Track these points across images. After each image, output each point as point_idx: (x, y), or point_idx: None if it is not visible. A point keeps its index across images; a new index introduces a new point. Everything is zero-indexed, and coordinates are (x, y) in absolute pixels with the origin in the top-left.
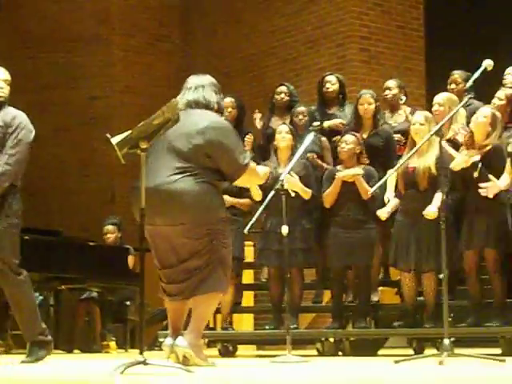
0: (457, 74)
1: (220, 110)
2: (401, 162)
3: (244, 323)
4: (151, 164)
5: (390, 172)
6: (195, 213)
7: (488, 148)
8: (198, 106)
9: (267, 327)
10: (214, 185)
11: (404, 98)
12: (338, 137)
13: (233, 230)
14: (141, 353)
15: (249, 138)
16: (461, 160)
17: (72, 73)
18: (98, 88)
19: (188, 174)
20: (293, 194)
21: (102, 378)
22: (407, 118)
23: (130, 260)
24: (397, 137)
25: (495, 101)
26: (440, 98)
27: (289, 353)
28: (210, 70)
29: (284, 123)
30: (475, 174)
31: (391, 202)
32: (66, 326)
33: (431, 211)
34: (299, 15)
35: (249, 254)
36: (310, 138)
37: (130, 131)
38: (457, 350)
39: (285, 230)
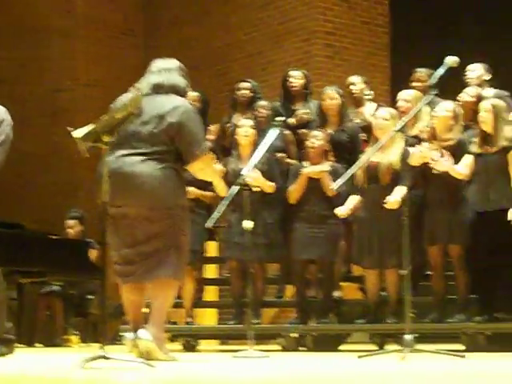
0: (420, 72)
1: (185, 93)
2: (364, 157)
3: (207, 318)
4: (116, 147)
5: (353, 168)
6: (155, 196)
7: (452, 142)
8: (163, 90)
9: (230, 322)
10: (177, 171)
11: (370, 93)
12: (304, 130)
13: (195, 223)
14: (102, 347)
15: (214, 127)
16: (419, 154)
17: (35, 65)
18: (61, 81)
19: (151, 157)
20: (256, 189)
21: (63, 372)
22: (368, 117)
23: (93, 254)
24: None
25: (464, 95)
26: (406, 94)
27: (251, 348)
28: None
29: (247, 118)
30: (435, 171)
31: (351, 199)
32: (28, 319)
33: (393, 200)
34: (265, 10)
35: (212, 248)
36: (273, 133)
37: (92, 125)
38: (419, 346)
39: (247, 224)
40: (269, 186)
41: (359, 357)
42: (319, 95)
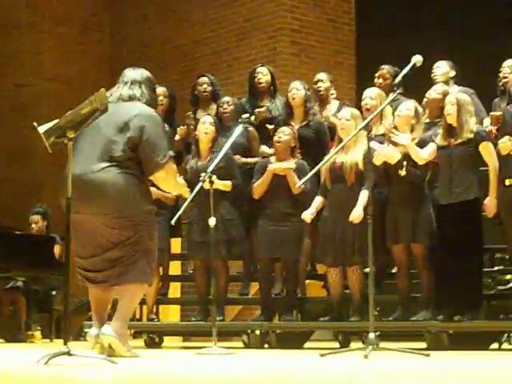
0: (385, 69)
1: (154, 106)
2: (329, 156)
3: (170, 314)
4: (79, 153)
5: (318, 166)
6: (117, 203)
7: (415, 142)
8: (131, 100)
9: (193, 319)
10: (139, 177)
11: (334, 92)
12: (272, 126)
13: (158, 222)
14: (65, 343)
15: (182, 128)
16: (382, 154)
17: (1, 60)
18: (26, 76)
19: (113, 164)
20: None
21: (25, 368)
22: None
23: (57, 249)
24: None
25: (431, 92)
26: (372, 92)
27: (214, 345)
28: (141, 60)
29: (208, 114)
30: (402, 173)
31: (315, 201)
32: None
33: (356, 215)
34: (231, 6)
35: (176, 245)
36: (238, 130)
37: (57, 120)
38: (382, 344)
39: (212, 221)
40: (225, 186)
41: (321, 355)
42: (285, 92)
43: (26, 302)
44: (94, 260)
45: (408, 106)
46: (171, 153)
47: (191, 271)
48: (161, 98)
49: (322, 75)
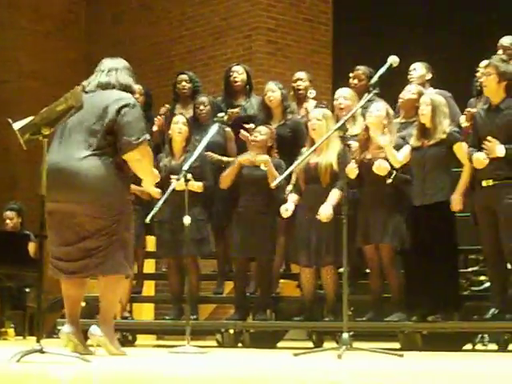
0: (360, 70)
1: (132, 93)
2: (304, 156)
3: (144, 313)
4: (58, 141)
5: (293, 166)
6: (98, 192)
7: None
8: (110, 87)
9: (167, 317)
10: (121, 167)
11: (314, 92)
12: (252, 125)
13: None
14: (38, 341)
15: (159, 118)
16: (374, 168)
17: None
18: (3, 73)
19: (95, 152)
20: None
21: None
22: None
23: (31, 247)
24: None
25: (405, 93)
26: (345, 92)
27: (188, 343)
28: (118, 57)
29: (181, 114)
30: (389, 181)
31: (291, 197)
32: None
33: (323, 213)
34: (208, 5)
35: (150, 243)
36: (214, 129)
37: (32, 117)
38: (356, 344)
39: (187, 220)
40: (198, 187)
41: (295, 354)
42: (261, 91)
43: (0, 298)
44: (68, 249)
45: (378, 106)
46: (147, 136)
47: (165, 269)
48: (137, 95)
49: (301, 74)
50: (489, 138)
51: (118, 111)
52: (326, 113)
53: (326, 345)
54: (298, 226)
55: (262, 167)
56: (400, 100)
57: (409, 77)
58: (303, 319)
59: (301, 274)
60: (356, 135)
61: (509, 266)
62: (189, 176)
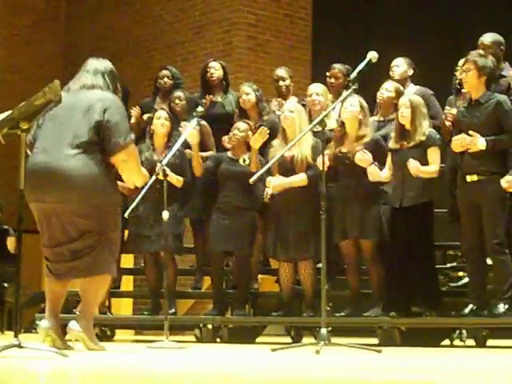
0: (336, 68)
1: (116, 94)
2: (281, 152)
3: (122, 308)
4: (43, 140)
5: (270, 162)
6: (87, 192)
7: (366, 140)
8: (94, 89)
9: (145, 312)
10: (109, 167)
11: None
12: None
13: None
14: (16, 336)
15: (135, 109)
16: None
17: None
18: None
19: (80, 151)
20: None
21: None
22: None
23: (9, 242)
24: None
25: (383, 91)
26: (318, 88)
27: (166, 338)
28: (97, 52)
29: (162, 108)
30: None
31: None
32: None
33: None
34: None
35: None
36: (192, 124)
37: (10, 111)
38: (334, 340)
39: (165, 215)
40: (178, 181)
41: (273, 350)
42: (240, 87)
43: None
44: (58, 250)
45: (352, 101)
46: (132, 136)
47: (144, 264)
48: None
49: (283, 72)
50: (470, 132)
51: (104, 111)
52: (298, 107)
53: (305, 340)
54: (273, 218)
55: (241, 162)
56: (378, 100)
57: (391, 73)
58: (282, 314)
59: (279, 269)
60: (331, 130)
61: (488, 261)
62: (167, 170)
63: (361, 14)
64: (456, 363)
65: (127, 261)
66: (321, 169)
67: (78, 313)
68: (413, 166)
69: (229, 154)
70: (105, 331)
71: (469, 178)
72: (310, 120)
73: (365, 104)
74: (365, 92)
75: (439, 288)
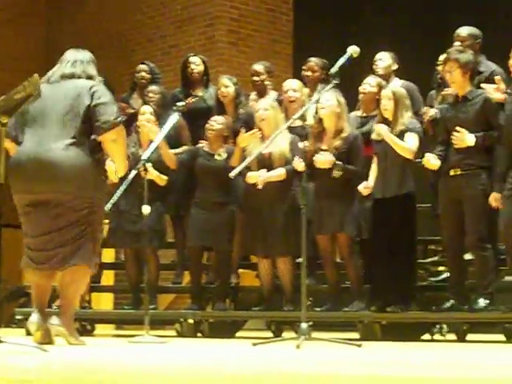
0: (313, 61)
1: None
2: (262, 147)
3: (103, 302)
4: (32, 133)
5: (249, 159)
6: (79, 184)
7: (345, 135)
8: (75, 78)
9: (126, 307)
10: (97, 157)
11: (270, 82)
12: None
13: None
14: None
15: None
16: (324, 160)
17: None
18: None
19: (72, 143)
20: (151, 177)
21: None
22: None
23: None
24: None
25: (366, 87)
26: (294, 84)
27: (147, 333)
28: (77, 46)
29: (146, 104)
30: (338, 174)
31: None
32: None
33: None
34: None
35: None
36: (174, 118)
37: None
38: (315, 334)
39: (146, 210)
40: (161, 179)
41: (254, 344)
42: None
43: None
44: (45, 238)
45: (328, 96)
46: (122, 118)
47: (124, 259)
48: None
49: (258, 67)
50: (457, 128)
51: (92, 96)
52: (273, 103)
53: (285, 335)
54: (251, 214)
55: (217, 157)
56: (360, 96)
57: (374, 67)
58: (262, 309)
59: (259, 264)
60: (307, 126)
61: (468, 256)
62: (148, 165)
63: (343, 8)
64: (436, 357)
65: (108, 255)
66: (300, 166)
67: (55, 307)
68: (382, 127)
69: (205, 147)
70: (85, 326)
71: (452, 172)
72: (286, 116)
73: (342, 99)
74: (347, 87)
75: (414, 286)
